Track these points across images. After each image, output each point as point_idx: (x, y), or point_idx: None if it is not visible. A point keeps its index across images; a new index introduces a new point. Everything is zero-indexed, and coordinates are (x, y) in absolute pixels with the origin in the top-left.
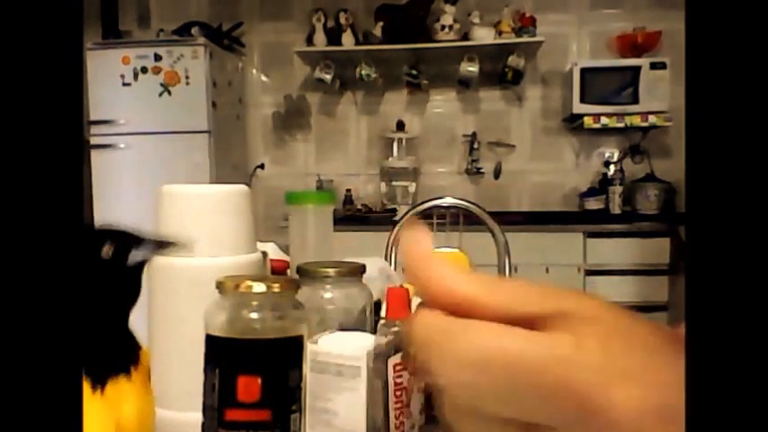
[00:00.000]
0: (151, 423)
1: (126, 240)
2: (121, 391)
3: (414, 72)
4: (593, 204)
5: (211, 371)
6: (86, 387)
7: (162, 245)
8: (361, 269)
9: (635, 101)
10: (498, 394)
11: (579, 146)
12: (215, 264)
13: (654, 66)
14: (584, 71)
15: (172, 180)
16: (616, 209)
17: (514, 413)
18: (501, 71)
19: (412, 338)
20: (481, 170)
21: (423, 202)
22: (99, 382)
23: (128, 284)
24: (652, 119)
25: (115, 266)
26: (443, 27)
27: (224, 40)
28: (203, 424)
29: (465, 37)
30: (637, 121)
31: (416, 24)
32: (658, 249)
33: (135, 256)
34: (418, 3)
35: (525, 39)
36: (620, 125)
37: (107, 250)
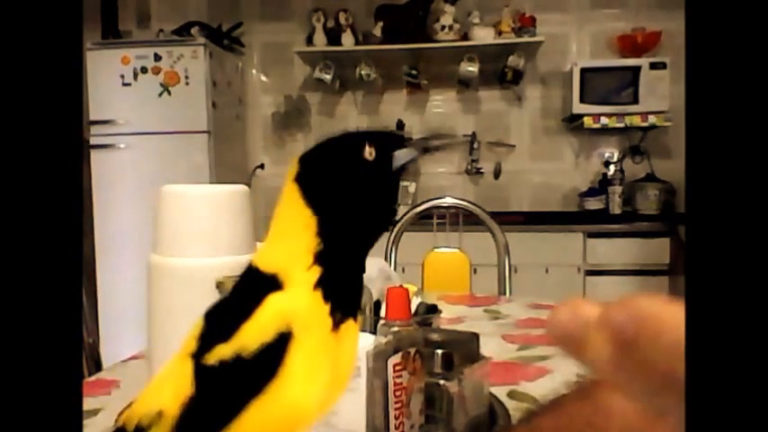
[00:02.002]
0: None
1: (389, 141)
2: (349, 330)
3: (414, 72)
4: (593, 204)
5: None
6: (329, 322)
7: (427, 147)
8: None
9: (635, 101)
10: None
11: (579, 146)
12: (215, 264)
13: (654, 66)
14: (583, 71)
15: (172, 180)
16: (616, 209)
17: None
18: (501, 71)
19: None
20: (481, 170)
21: (423, 202)
22: (343, 318)
23: (390, 188)
24: (652, 119)
25: (379, 168)
26: (443, 27)
27: (224, 40)
28: None
29: (465, 37)
30: (637, 121)
31: (416, 24)
32: (658, 249)
33: (399, 158)
34: (418, 3)
35: (525, 39)
36: (620, 125)
37: (369, 151)
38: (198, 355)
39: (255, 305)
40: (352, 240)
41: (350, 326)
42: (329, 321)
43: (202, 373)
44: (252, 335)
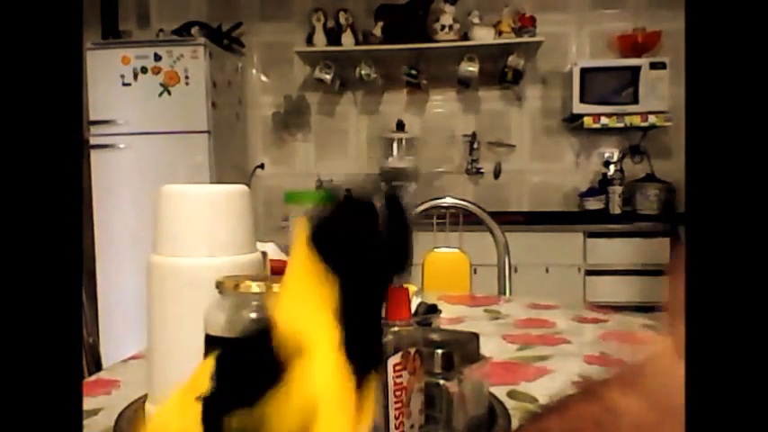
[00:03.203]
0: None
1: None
2: (371, 383)
3: (413, 72)
4: (593, 204)
5: None
6: (351, 382)
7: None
8: None
9: (635, 101)
10: None
11: (579, 146)
12: (214, 264)
13: (654, 66)
14: (583, 71)
15: (172, 180)
16: (616, 209)
17: None
18: (501, 71)
19: None
20: (481, 170)
21: (423, 202)
22: (366, 374)
23: (407, 237)
24: (652, 119)
25: (391, 221)
26: (443, 27)
27: (224, 40)
28: None
29: (465, 37)
30: (637, 121)
31: (416, 24)
32: (658, 249)
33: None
34: (418, 3)
35: (525, 39)
36: (620, 125)
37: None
38: (210, 407)
39: (279, 371)
40: (371, 295)
41: (371, 379)
42: (353, 381)
43: None
44: (278, 416)
